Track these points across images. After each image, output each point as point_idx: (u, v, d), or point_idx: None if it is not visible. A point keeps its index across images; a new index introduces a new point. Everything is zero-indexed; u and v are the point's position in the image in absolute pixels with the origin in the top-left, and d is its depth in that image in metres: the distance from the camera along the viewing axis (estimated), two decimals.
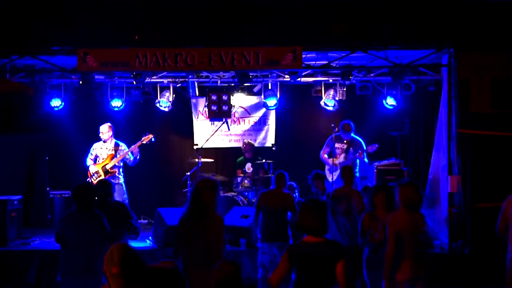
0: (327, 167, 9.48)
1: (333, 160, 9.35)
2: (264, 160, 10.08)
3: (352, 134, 9.48)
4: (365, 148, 9.35)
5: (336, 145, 9.51)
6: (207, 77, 10.17)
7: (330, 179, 9.18)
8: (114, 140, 9.17)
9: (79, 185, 5.89)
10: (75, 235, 5.56)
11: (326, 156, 9.56)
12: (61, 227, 5.74)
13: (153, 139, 9.25)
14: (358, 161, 9.43)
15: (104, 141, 9.11)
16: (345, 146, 9.45)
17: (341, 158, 9.35)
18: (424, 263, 5.36)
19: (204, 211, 5.11)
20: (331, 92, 9.93)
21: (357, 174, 9.51)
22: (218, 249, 5.02)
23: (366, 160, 9.35)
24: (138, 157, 9.08)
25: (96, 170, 8.96)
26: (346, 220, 6.92)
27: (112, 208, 6.20)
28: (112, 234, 5.62)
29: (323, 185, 8.02)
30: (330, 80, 10.04)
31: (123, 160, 9.08)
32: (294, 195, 7.94)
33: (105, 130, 9.09)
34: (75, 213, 5.70)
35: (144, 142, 9.17)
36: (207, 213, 5.11)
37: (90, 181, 8.84)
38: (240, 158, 10.44)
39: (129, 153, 9.02)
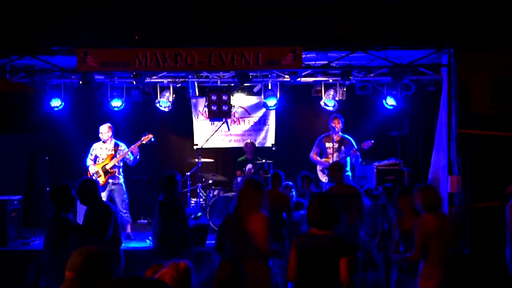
0: (319, 168, 9.47)
1: (325, 160, 9.33)
2: (264, 160, 10.08)
3: (341, 134, 9.46)
4: (356, 146, 9.31)
5: (327, 145, 9.47)
6: (207, 77, 10.17)
7: (324, 179, 9.18)
8: (113, 140, 9.17)
9: (54, 186, 5.80)
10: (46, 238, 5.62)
11: (317, 157, 9.53)
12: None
13: (152, 139, 9.25)
14: (348, 160, 9.42)
15: (104, 142, 9.11)
16: (336, 145, 9.41)
17: (334, 158, 9.30)
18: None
19: (247, 211, 5.10)
20: (331, 92, 9.93)
21: (349, 173, 9.48)
22: (263, 245, 5.01)
23: (359, 158, 9.32)
24: (138, 157, 9.08)
25: (96, 170, 8.96)
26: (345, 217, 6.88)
27: (97, 210, 5.81)
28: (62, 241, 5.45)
29: (308, 187, 7.86)
30: (330, 80, 10.04)
31: (123, 160, 9.08)
32: (291, 194, 7.92)
33: (104, 130, 9.09)
34: (52, 215, 5.71)
35: (144, 142, 9.17)
36: (251, 212, 5.10)
37: None
38: (241, 158, 10.42)
39: (129, 153, 9.02)
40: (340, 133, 9.45)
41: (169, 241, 6.17)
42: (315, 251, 4.25)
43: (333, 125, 9.37)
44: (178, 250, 5.96)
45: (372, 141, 9.18)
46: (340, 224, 4.45)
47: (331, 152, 9.36)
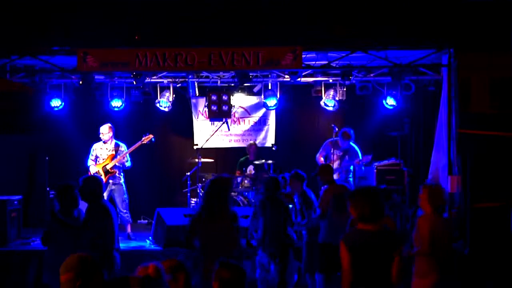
0: None
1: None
2: (264, 160, 10.08)
3: (351, 143, 9.51)
4: (361, 157, 9.38)
5: (333, 150, 9.54)
6: (207, 77, 10.17)
7: None
8: (114, 141, 9.17)
9: (60, 185, 5.86)
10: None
11: (322, 159, 9.59)
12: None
13: (153, 139, 9.26)
14: (352, 168, 9.47)
15: (105, 142, 9.11)
16: (341, 154, 9.50)
17: (335, 165, 9.35)
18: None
19: (218, 209, 5.25)
20: (331, 92, 9.93)
21: (351, 179, 9.53)
22: (233, 244, 5.17)
23: (362, 168, 9.35)
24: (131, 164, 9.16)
25: (97, 170, 8.96)
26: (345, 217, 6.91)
27: (97, 210, 5.79)
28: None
29: (301, 187, 7.50)
30: (330, 80, 10.04)
31: (120, 161, 9.09)
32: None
33: (105, 131, 9.09)
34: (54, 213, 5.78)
35: (144, 142, 9.18)
36: (221, 210, 5.25)
37: None
38: (242, 158, 10.41)
39: (127, 155, 9.05)
40: (350, 142, 9.51)
41: (271, 236, 6.52)
42: (368, 247, 4.08)
43: (342, 139, 9.44)
44: (278, 245, 6.39)
45: (371, 156, 9.27)
46: (384, 217, 4.33)
47: (335, 159, 9.42)
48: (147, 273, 3.22)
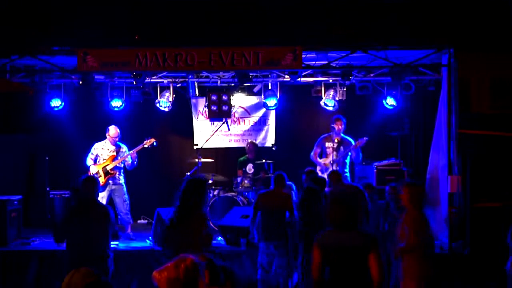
0: (318, 168, 9.49)
1: (324, 160, 9.38)
2: (264, 160, 10.08)
3: (342, 135, 9.48)
4: (353, 143, 9.33)
5: (327, 144, 9.52)
6: (207, 77, 10.17)
7: None
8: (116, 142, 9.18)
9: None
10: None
11: (317, 157, 9.58)
12: None
13: (155, 143, 9.21)
14: (348, 160, 9.44)
15: (112, 144, 9.10)
16: (335, 145, 9.44)
17: (331, 157, 9.33)
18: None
19: (192, 211, 5.30)
20: (331, 92, 9.93)
21: (347, 174, 9.50)
22: (204, 245, 5.22)
23: (360, 154, 9.32)
24: (135, 162, 9.09)
25: (97, 170, 8.95)
26: None
27: (95, 210, 5.93)
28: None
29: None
30: (330, 80, 10.04)
31: (123, 162, 9.07)
32: (292, 195, 7.92)
33: (115, 134, 9.05)
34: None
35: (146, 146, 9.15)
36: (195, 213, 5.30)
37: None
38: (242, 158, 10.42)
39: (129, 157, 9.03)
40: (342, 134, 9.47)
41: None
42: (340, 249, 4.11)
43: (335, 126, 9.40)
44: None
45: (366, 138, 9.18)
46: (360, 222, 4.38)
47: (330, 152, 9.39)
48: (183, 265, 3.05)
